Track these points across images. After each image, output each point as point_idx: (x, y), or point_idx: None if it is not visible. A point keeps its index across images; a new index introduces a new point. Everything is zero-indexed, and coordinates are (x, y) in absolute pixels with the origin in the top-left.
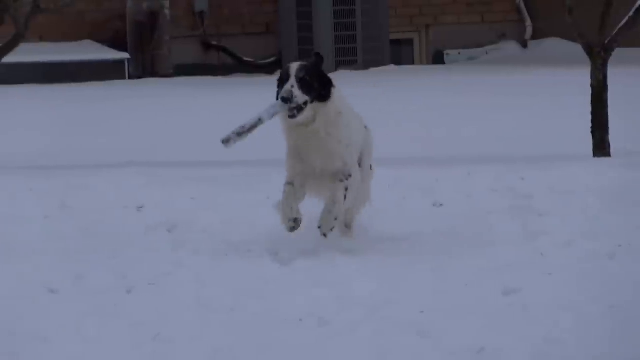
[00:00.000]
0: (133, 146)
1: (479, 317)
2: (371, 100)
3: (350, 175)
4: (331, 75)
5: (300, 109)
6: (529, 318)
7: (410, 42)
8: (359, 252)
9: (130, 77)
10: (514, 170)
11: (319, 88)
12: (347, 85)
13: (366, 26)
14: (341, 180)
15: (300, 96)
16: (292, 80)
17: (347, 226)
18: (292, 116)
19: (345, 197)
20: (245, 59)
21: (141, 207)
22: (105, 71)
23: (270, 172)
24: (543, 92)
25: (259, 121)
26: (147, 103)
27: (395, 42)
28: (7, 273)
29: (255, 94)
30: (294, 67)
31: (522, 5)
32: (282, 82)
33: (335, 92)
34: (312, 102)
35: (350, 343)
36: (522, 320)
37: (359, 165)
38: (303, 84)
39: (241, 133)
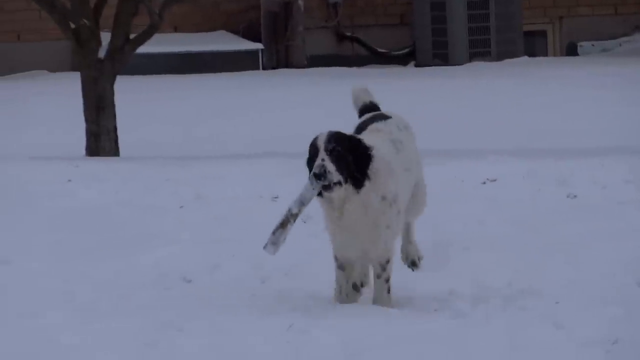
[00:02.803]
0: (268, 136)
1: (614, 309)
2: (505, 91)
3: (388, 261)
4: (465, 67)
5: (331, 185)
6: None
7: (543, 33)
8: (493, 244)
9: (264, 68)
10: None
11: (353, 164)
12: (480, 77)
13: (500, 17)
14: (379, 277)
15: (334, 172)
16: (322, 154)
17: (414, 263)
18: (327, 188)
19: (388, 290)
20: (379, 50)
21: (276, 198)
22: (239, 61)
23: None
24: None
25: (290, 213)
26: (281, 93)
27: (529, 34)
28: (144, 262)
29: (388, 85)
30: (322, 138)
31: None
32: (311, 159)
33: (375, 165)
34: (345, 182)
35: (485, 334)
36: None
37: (417, 187)
38: (337, 157)
39: (275, 242)
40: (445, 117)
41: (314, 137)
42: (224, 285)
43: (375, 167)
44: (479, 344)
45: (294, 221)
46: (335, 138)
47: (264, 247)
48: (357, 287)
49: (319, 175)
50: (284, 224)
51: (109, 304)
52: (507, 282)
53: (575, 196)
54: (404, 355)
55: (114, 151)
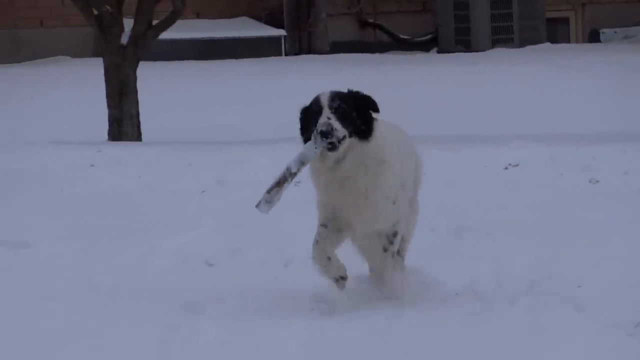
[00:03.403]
0: (289, 122)
1: (636, 292)
2: (527, 78)
3: (396, 234)
4: (487, 54)
5: (336, 143)
6: None
7: (566, 20)
8: (516, 229)
9: (286, 54)
10: None
11: (358, 120)
12: (502, 63)
13: (522, 4)
14: (385, 250)
15: (340, 129)
16: (327, 111)
17: (401, 255)
18: (332, 148)
19: (399, 261)
20: (402, 36)
21: (298, 183)
22: (261, 48)
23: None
24: None
25: (288, 172)
26: (304, 79)
27: (551, 21)
28: (166, 246)
29: (410, 71)
30: (325, 96)
31: None
32: (312, 116)
33: (378, 127)
34: (350, 136)
35: (507, 318)
36: None
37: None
38: (340, 114)
39: (270, 200)
40: (468, 103)
41: (315, 96)
42: (247, 269)
43: (378, 128)
44: (501, 327)
45: (292, 180)
46: (339, 96)
47: (257, 205)
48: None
49: (326, 133)
50: (280, 183)
51: (130, 288)
52: (529, 267)
53: (597, 182)
54: (428, 339)
55: (136, 136)
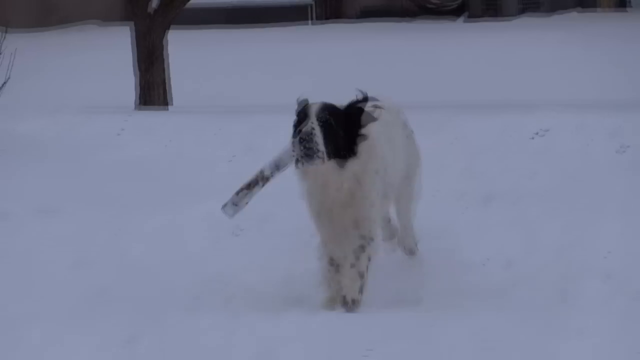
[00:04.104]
0: (318, 88)
1: None
2: (555, 45)
3: (372, 239)
4: (515, 21)
5: (314, 156)
6: None
7: None
8: (544, 196)
9: (314, 21)
10: None
11: (343, 140)
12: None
13: None
14: (362, 248)
15: (320, 143)
16: (313, 120)
17: (411, 252)
18: (308, 155)
19: (367, 268)
20: (429, 4)
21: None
22: (290, 14)
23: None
24: None
25: (261, 176)
26: (332, 46)
27: None
28: (194, 213)
29: (438, 38)
30: (315, 106)
31: None
32: (298, 123)
33: (366, 141)
34: (329, 157)
35: (535, 285)
36: None
37: (407, 185)
38: (325, 128)
39: (237, 202)
40: (496, 71)
41: (304, 105)
42: (274, 237)
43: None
44: (529, 294)
45: (263, 185)
46: (329, 109)
47: (222, 207)
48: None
49: (305, 140)
50: (251, 186)
51: (158, 256)
52: (557, 234)
53: (625, 149)
54: (456, 307)
55: (165, 103)
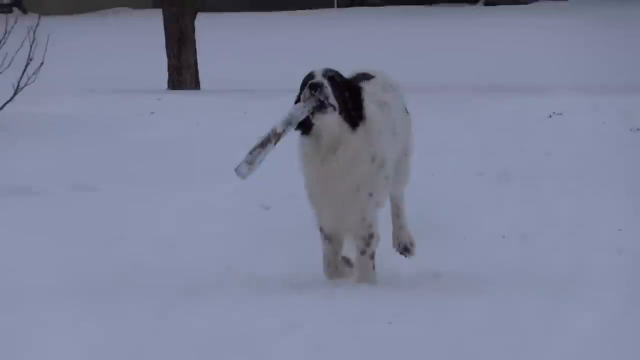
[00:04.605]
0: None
1: None
2: (572, 29)
3: (371, 236)
4: (534, 6)
5: (324, 110)
6: None
7: None
8: (559, 174)
9: (338, 6)
10: None
11: (349, 100)
12: (549, 15)
13: None
14: (363, 253)
15: (330, 95)
16: (319, 77)
17: (406, 249)
18: (320, 107)
19: (373, 267)
20: None
21: None
22: (314, 0)
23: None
24: None
25: (273, 133)
26: (355, 31)
27: None
28: (224, 190)
29: (458, 23)
30: (320, 68)
31: None
32: (304, 84)
33: (368, 118)
34: (340, 113)
35: (551, 258)
36: None
37: (404, 154)
38: (334, 84)
39: (251, 161)
40: (514, 54)
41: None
42: (302, 212)
43: (367, 121)
44: (545, 267)
45: (276, 142)
46: (335, 72)
47: (236, 169)
48: (349, 262)
49: (316, 86)
50: (263, 144)
51: (189, 231)
52: (571, 210)
53: (638, 129)
54: (473, 277)
55: (195, 85)
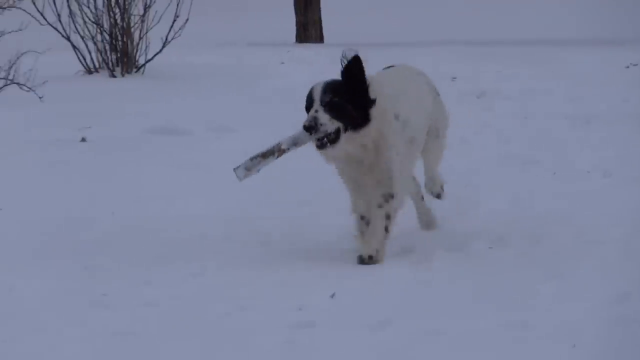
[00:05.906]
0: (454, 26)
1: None
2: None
3: (392, 197)
4: None
5: (332, 139)
6: None
7: None
8: (636, 118)
9: None
10: None
11: (354, 111)
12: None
13: None
14: (380, 206)
15: (328, 123)
16: (317, 104)
17: (438, 196)
18: (320, 146)
19: (386, 227)
20: None
21: (455, 78)
22: None
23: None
24: None
25: (277, 147)
26: None
27: None
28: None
29: None
30: (318, 88)
31: None
32: (308, 108)
33: (378, 104)
34: (346, 130)
35: (630, 191)
36: None
37: (435, 134)
38: (331, 108)
39: (249, 168)
40: (592, 8)
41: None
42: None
43: (378, 105)
44: (624, 198)
45: (278, 157)
46: (332, 88)
47: (234, 169)
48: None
49: (309, 128)
50: (266, 155)
51: (316, 166)
52: None
53: None
54: (561, 209)
55: (319, 39)
